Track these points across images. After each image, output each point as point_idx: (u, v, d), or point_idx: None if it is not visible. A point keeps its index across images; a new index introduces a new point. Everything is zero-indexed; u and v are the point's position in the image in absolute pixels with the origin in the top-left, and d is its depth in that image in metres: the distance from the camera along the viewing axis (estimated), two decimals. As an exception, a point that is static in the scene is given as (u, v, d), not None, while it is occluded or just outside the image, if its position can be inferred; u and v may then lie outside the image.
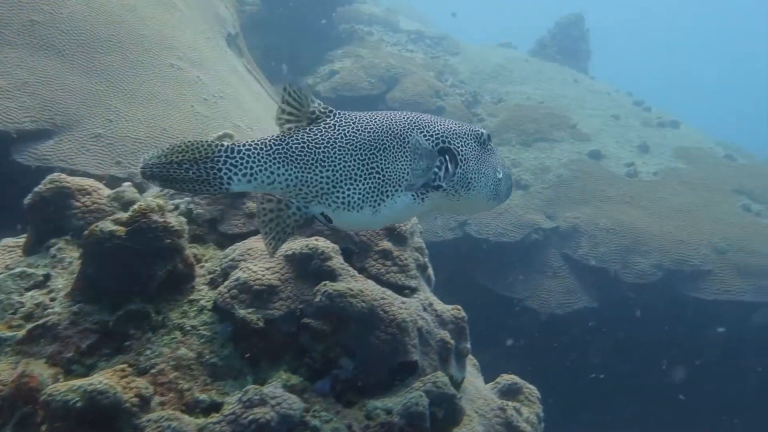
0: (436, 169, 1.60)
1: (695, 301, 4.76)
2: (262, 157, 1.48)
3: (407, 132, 1.60)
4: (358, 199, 1.52)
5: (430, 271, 2.06)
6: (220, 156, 1.46)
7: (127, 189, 1.93)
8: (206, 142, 1.46)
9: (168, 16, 3.96)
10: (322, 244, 1.69)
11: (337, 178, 1.51)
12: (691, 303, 4.80)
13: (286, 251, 1.71)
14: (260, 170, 1.48)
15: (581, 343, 5.18)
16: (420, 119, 1.65)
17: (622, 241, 5.11)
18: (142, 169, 1.42)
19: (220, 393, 1.51)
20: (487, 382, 2.43)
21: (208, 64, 3.98)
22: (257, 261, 1.70)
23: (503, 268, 5.23)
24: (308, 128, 1.53)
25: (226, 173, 1.46)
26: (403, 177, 1.56)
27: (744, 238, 5.12)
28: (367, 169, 1.53)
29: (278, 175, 1.49)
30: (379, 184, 1.53)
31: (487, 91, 7.65)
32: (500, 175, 1.78)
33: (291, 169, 1.49)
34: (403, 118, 1.62)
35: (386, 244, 1.83)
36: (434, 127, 1.65)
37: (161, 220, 1.64)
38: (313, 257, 1.66)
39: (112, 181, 2.49)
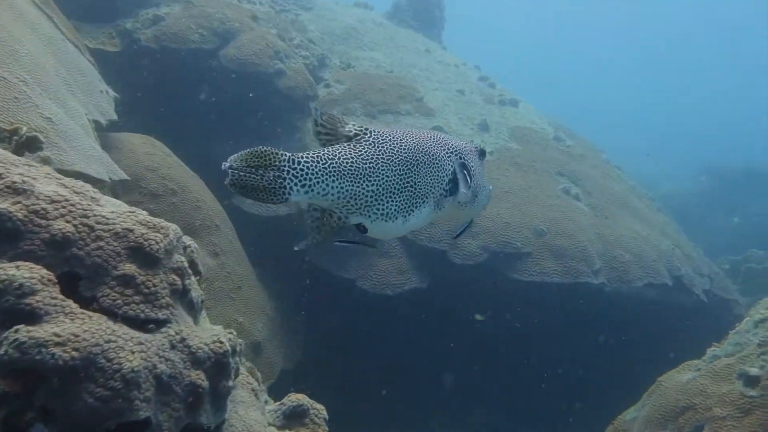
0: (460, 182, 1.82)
1: (516, 282, 5.04)
2: (319, 170, 1.59)
3: (433, 148, 1.81)
4: (395, 210, 1.71)
5: (194, 294, 1.78)
6: (284, 165, 1.56)
7: None
8: (273, 150, 1.55)
9: None
10: (24, 273, 1.32)
11: (379, 192, 1.67)
12: (512, 284, 5.08)
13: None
14: (317, 182, 1.59)
15: (412, 325, 5.29)
16: (439, 137, 1.88)
17: (455, 223, 5.22)
18: (231, 171, 1.51)
19: None
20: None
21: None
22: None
23: (338, 248, 5.11)
24: (352, 145, 1.66)
25: (289, 183, 1.56)
26: (429, 189, 1.77)
27: (561, 220, 5.52)
28: (403, 184, 1.71)
29: (331, 188, 1.62)
30: (411, 196, 1.74)
31: (337, 55, 7.36)
32: (490, 186, 2.05)
33: (342, 183, 1.62)
34: (428, 136, 1.84)
35: (129, 268, 1.51)
36: (452, 144, 1.88)
37: None
38: (5, 293, 1.29)
39: None
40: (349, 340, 5.39)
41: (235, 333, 1.82)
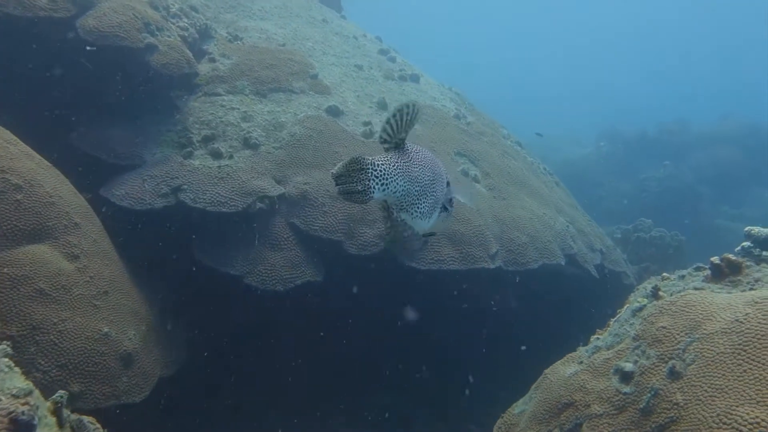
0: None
1: (412, 270, 5.03)
2: (391, 171, 1.94)
3: (438, 164, 2.17)
4: (426, 211, 2.05)
5: None
6: (368, 168, 1.88)
7: None
8: (362, 157, 1.86)
9: None
10: None
11: (420, 193, 2.02)
12: (409, 273, 5.07)
13: None
14: (390, 182, 1.93)
15: (305, 321, 5.17)
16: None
17: (350, 210, 5.09)
18: (336, 179, 1.83)
19: None
20: None
21: None
22: None
23: (224, 242, 4.83)
24: (402, 152, 2.01)
25: (372, 183, 1.88)
26: (439, 198, 2.12)
27: (458, 204, 5.54)
28: (431, 189, 2.06)
29: (399, 186, 1.96)
30: (433, 201, 2.08)
31: (223, 24, 6.89)
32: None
33: (404, 183, 1.96)
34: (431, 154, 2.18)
35: None
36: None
37: None
38: None
39: None
40: (237, 340, 5.19)
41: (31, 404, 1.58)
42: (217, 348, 5.23)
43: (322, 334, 5.35)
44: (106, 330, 3.64)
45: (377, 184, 1.90)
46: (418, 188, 2.01)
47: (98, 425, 2.17)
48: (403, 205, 2.00)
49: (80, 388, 3.32)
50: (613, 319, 3.86)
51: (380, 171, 1.91)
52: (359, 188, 1.85)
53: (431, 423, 6.00)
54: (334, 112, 6.11)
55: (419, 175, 2.03)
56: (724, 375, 2.55)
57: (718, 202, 14.83)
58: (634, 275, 8.22)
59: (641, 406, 2.74)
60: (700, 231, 13.39)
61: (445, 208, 2.19)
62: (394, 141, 2.00)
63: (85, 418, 2.17)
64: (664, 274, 4.10)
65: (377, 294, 5.35)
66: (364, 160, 1.88)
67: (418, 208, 2.04)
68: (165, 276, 4.87)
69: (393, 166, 1.95)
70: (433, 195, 2.07)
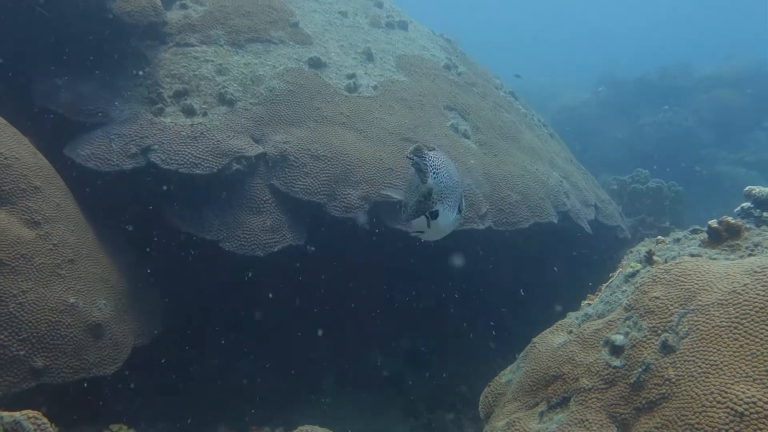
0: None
1: (399, 233, 4.88)
2: (438, 164, 2.33)
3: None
4: (452, 206, 2.35)
5: None
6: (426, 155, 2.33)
7: None
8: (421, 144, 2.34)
9: None
10: None
11: (450, 188, 2.34)
12: (396, 235, 4.92)
13: None
14: (439, 172, 2.32)
15: (287, 287, 5.05)
16: None
17: (333, 170, 4.90)
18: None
19: None
20: None
21: None
22: None
23: (199, 206, 4.65)
24: (437, 153, 2.40)
25: (428, 171, 2.30)
26: (455, 200, 2.40)
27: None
28: (455, 189, 2.39)
29: (443, 177, 2.33)
30: (455, 200, 2.39)
31: (196, -33, 6.46)
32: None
33: (444, 176, 2.33)
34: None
35: None
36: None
37: None
38: None
39: None
40: (215, 307, 5.09)
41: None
42: (195, 314, 5.14)
43: (307, 297, 5.25)
44: (72, 300, 3.50)
45: (431, 171, 2.27)
46: (450, 183, 2.34)
47: (44, 420, 2.05)
48: (439, 197, 2.28)
49: (45, 363, 3.21)
50: (605, 284, 3.75)
51: (432, 162, 2.29)
52: (421, 169, 2.26)
53: (422, 383, 6.00)
54: (316, 64, 5.82)
55: (453, 173, 2.38)
56: (719, 350, 2.45)
57: (718, 146, 14.59)
58: (630, 228, 8.13)
59: (632, 381, 2.65)
60: (699, 178, 13.26)
61: (459, 210, 2.45)
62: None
63: (24, 417, 2.04)
64: (659, 237, 3.97)
65: (362, 257, 5.23)
66: (423, 150, 2.30)
67: (449, 201, 2.32)
68: (138, 242, 4.71)
69: (440, 160, 2.34)
70: (456, 194, 2.39)
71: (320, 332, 5.40)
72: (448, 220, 2.36)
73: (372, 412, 5.38)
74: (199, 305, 5.21)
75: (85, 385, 3.51)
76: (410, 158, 2.29)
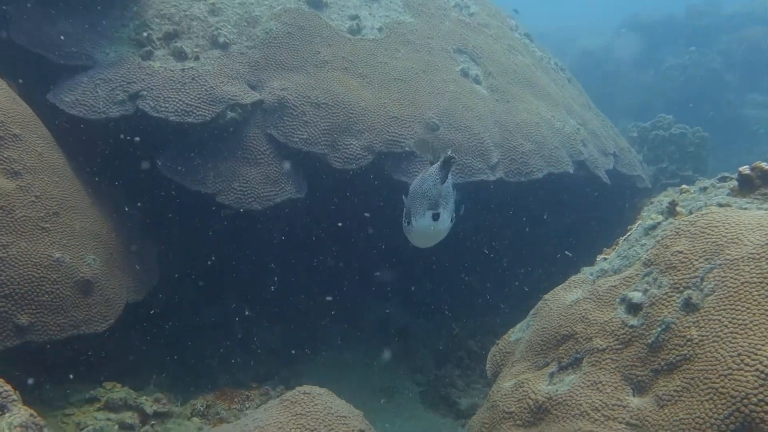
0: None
1: (403, 185, 4.67)
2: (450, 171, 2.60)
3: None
4: (450, 210, 2.58)
5: None
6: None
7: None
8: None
9: None
10: None
11: (449, 195, 2.60)
12: (400, 187, 4.72)
13: None
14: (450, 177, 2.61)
15: (287, 242, 4.90)
16: None
17: (334, 119, 4.67)
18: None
19: None
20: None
21: None
22: None
23: (192, 156, 4.46)
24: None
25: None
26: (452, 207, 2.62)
27: (457, 110, 5.10)
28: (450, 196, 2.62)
29: (449, 183, 2.61)
30: (451, 207, 2.59)
31: None
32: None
33: (449, 182, 2.61)
34: None
35: None
36: None
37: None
38: None
39: None
40: (213, 261, 4.97)
41: None
42: (193, 269, 5.03)
43: (309, 251, 5.11)
44: (58, 255, 3.37)
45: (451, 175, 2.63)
46: (450, 191, 2.60)
47: (6, 387, 1.93)
48: (443, 202, 2.51)
49: (30, 320, 3.11)
50: (623, 238, 3.54)
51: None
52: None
53: (429, 337, 5.92)
54: (317, 3, 5.49)
55: (450, 186, 2.61)
56: (748, 309, 2.26)
57: (746, 90, 13.95)
58: (650, 177, 7.83)
59: (650, 341, 2.48)
60: (726, 123, 12.74)
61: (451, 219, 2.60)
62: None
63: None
64: (683, 186, 3.72)
65: (365, 210, 5.05)
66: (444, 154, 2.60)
67: (448, 206, 2.53)
68: (129, 194, 4.56)
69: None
70: (452, 202, 2.60)
71: (324, 287, 5.28)
72: (445, 224, 2.54)
73: (378, 368, 5.32)
74: (197, 260, 5.09)
75: (78, 342, 3.43)
76: (452, 158, 2.52)
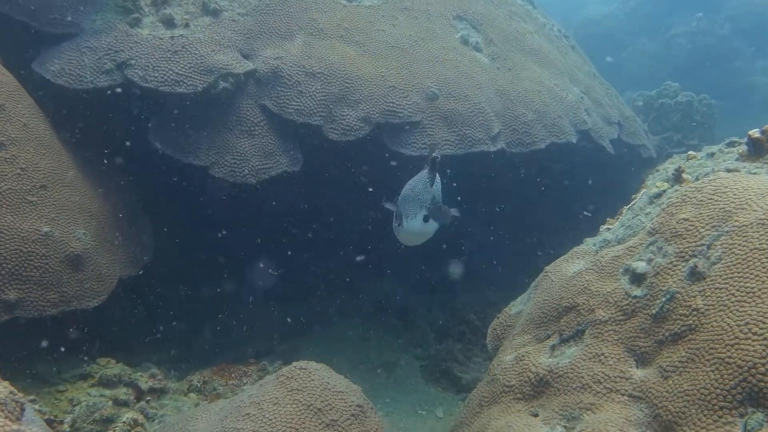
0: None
1: (402, 157, 4.59)
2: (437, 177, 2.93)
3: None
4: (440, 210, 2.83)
5: None
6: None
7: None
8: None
9: None
10: None
11: (437, 197, 2.87)
12: (399, 159, 4.63)
13: None
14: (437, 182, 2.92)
15: (283, 216, 4.83)
16: None
17: (330, 88, 4.55)
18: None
19: None
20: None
21: None
22: None
23: (184, 128, 4.37)
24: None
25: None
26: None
27: (456, 79, 4.98)
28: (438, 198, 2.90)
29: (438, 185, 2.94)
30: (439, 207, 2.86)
31: None
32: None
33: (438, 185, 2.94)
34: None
35: None
36: None
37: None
38: None
39: None
40: (209, 235, 4.91)
41: None
42: (189, 242, 4.98)
43: (305, 224, 5.04)
44: (46, 229, 3.31)
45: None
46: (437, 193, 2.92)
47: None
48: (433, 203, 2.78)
49: (18, 296, 3.06)
50: (627, 207, 3.47)
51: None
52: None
53: (430, 311, 5.89)
54: (311, -32, 5.32)
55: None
56: (757, 276, 2.19)
57: (755, 57, 13.69)
58: (655, 147, 7.72)
59: (654, 311, 2.42)
60: (735, 91, 12.53)
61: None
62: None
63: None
64: (690, 152, 3.63)
65: (364, 183, 4.96)
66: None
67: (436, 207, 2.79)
68: (122, 167, 4.47)
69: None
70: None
71: (322, 262, 5.23)
72: (433, 226, 2.75)
73: (377, 343, 5.29)
74: (192, 234, 5.03)
75: (72, 318, 3.39)
76: (436, 158, 2.70)
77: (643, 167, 6.89)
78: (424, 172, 2.85)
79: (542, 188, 6.02)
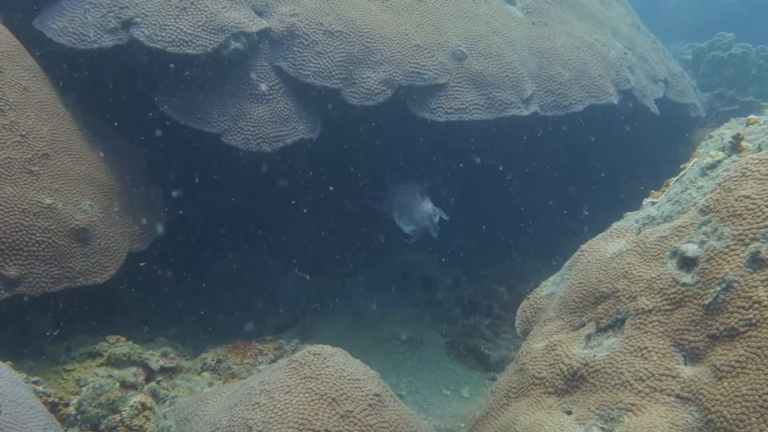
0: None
1: (427, 123, 4.34)
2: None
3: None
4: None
5: None
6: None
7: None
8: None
9: None
10: None
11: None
12: (424, 126, 4.38)
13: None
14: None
15: (300, 187, 4.66)
16: None
17: (350, 48, 4.29)
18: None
19: None
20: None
21: None
22: None
23: (194, 92, 4.18)
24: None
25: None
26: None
27: (487, 35, 4.66)
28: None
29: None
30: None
31: None
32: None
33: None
34: None
35: None
36: None
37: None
38: None
39: None
40: (225, 204, 4.77)
41: None
42: (203, 213, 4.86)
43: (327, 194, 4.87)
44: (48, 201, 3.20)
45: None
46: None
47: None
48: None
49: (19, 272, 2.97)
50: (674, 178, 3.19)
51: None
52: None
53: (456, 284, 5.71)
54: None
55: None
56: (830, 266, 1.93)
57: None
58: (705, 105, 7.25)
59: (706, 302, 2.18)
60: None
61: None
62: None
63: None
64: (751, 116, 3.30)
65: (386, 151, 4.75)
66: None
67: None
68: (130, 133, 4.34)
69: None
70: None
71: (344, 233, 5.07)
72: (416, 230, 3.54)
73: (401, 318, 5.15)
74: (208, 205, 4.91)
75: (81, 294, 3.31)
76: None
77: (692, 128, 6.49)
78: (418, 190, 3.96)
79: (580, 152, 5.71)
